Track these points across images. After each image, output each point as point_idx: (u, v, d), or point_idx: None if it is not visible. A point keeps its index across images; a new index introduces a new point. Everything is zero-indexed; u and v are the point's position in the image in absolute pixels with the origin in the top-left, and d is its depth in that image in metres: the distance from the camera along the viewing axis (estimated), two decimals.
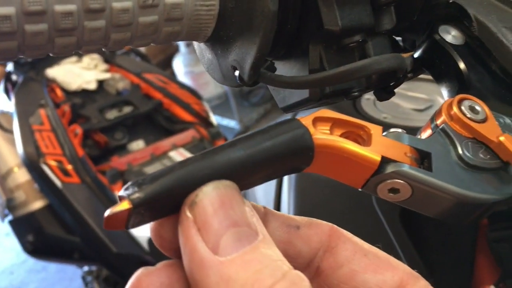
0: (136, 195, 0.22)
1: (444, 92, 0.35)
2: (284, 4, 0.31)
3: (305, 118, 0.27)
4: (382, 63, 0.31)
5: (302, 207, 0.84)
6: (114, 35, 0.28)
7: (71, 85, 2.06)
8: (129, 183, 0.22)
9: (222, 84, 0.35)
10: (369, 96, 0.96)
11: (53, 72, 2.08)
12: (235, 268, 0.20)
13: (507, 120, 0.31)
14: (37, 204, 1.82)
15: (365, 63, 0.30)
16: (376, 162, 0.27)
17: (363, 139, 0.28)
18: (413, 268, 0.25)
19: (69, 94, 2.05)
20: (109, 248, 1.66)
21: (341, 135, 0.28)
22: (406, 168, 0.27)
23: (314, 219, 0.27)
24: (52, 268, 2.85)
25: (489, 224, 0.78)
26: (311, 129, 0.26)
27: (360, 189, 0.28)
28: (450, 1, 0.36)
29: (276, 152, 0.25)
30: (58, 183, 1.69)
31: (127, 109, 2.00)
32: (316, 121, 0.27)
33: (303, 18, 0.32)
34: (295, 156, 0.25)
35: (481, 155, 0.28)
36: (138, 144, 1.97)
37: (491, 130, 0.29)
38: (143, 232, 1.60)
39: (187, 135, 1.92)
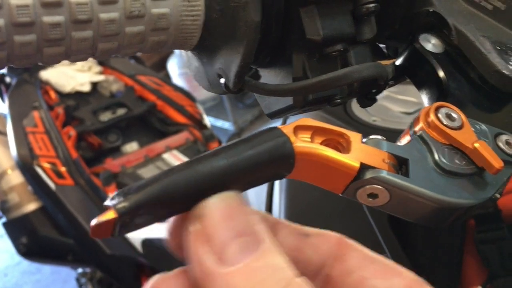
0: (122, 204, 0.22)
1: (424, 99, 0.36)
2: (268, 14, 0.32)
3: (286, 126, 0.28)
4: (362, 72, 0.32)
5: (293, 210, 0.85)
6: (101, 45, 0.29)
7: (65, 87, 2.06)
8: (115, 193, 0.23)
9: (209, 91, 0.36)
10: None
11: (47, 74, 2.08)
12: (239, 278, 0.20)
13: (483, 127, 0.32)
14: (31, 206, 1.82)
15: (345, 71, 0.31)
16: (355, 169, 0.28)
17: (343, 146, 0.29)
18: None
19: (63, 96, 2.05)
20: (103, 250, 1.66)
21: (321, 143, 0.29)
22: (383, 174, 0.28)
23: (323, 230, 0.28)
24: (47, 270, 2.84)
25: (476, 225, 0.80)
26: (292, 138, 0.27)
27: (340, 195, 0.29)
28: (431, 10, 0.37)
29: (258, 160, 0.25)
30: (51, 185, 1.69)
31: (121, 111, 2.01)
32: (297, 129, 0.28)
33: (286, 28, 0.33)
34: (276, 163, 0.26)
35: (457, 161, 0.29)
36: (132, 146, 1.98)
37: (467, 136, 0.30)
38: (136, 234, 1.60)
39: (181, 137, 1.92)
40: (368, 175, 0.28)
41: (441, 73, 0.35)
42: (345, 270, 0.26)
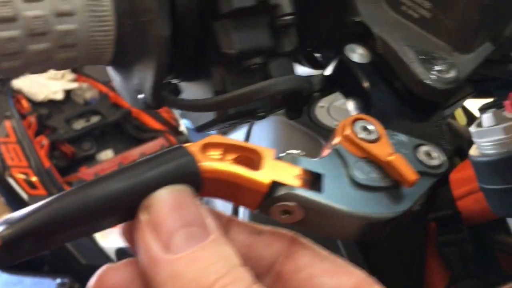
0: (6, 232, 0.22)
1: (351, 110, 0.36)
2: (182, 28, 0.32)
3: (194, 144, 0.27)
4: (280, 85, 0.31)
5: (258, 221, 0.84)
6: (3, 64, 0.28)
7: (38, 96, 2.03)
8: (1, 220, 0.22)
9: (133, 107, 0.35)
10: (323, 103, 0.98)
11: (19, 83, 2.05)
12: (183, 265, 0.21)
13: (403, 138, 0.32)
14: (4, 217, 1.79)
15: (262, 85, 0.31)
16: (265, 186, 0.27)
17: (255, 163, 0.28)
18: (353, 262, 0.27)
19: (36, 105, 2.02)
20: (78, 260, 1.65)
21: (233, 160, 0.28)
22: (295, 190, 0.27)
23: (277, 228, 0.28)
24: (28, 281, 2.80)
25: (437, 228, 0.80)
26: (198, 156, 0.26)
27: (255, 212, 0.29)
28: (357, 20, 0.36)
29: (159, 182, 0.25)
30: (24, 195, 1.67)
31: (94, 119, 1.99)
32: (205, 147, 0.28)
33: (203, 42, 0.32)
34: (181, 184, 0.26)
35: (373, 175, 0.29)
36: (106, 154, 1.96)
37: (383, 149, 0.29)
38: (110, 244, 1.59)
39: (156, 144, 1.91)
40: (279, 192, 0.27)
41: (365, 84, 0.34)
42: (295, 267, 0.27)
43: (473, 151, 0.57)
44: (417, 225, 0.78)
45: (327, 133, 0.90)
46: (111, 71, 0.36)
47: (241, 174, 0.27)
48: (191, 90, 0.36)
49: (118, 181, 0.24)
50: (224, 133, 1.25)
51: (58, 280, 2.07)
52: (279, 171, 0.28)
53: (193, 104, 0.32)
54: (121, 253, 1.51)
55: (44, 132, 1.90)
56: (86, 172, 1.78)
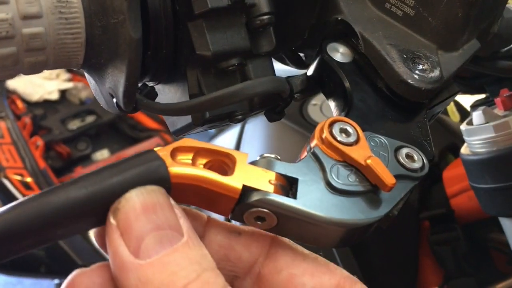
0: None
1: (333, 110, 0.35)
2: (156, 29, 0.31)
3: (164, 148, 0.26)
4: (256, 87, 0.30)
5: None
6: None
7: (33, 96, 2.02)
8: None
9: (108, 110, 0.34)
10: (315, 101, 0.97)
11: (13, 83, 2.04)
12: (152, 270, 0.21)
13: (383, 140, 0.31)
14: None
15: (237, 88, 0.30)
16: (237, 191, 0.26)
17: (228, 167, 0.28)
18: (347, 268, 0.26)
19: (31, 105, 2.01)
20: (74, 261, 1.64)
21: (205, 164, 0.27)
22: (267, 196, 0.26)
23: (257, 229, 0.28)
24: (27, 281, 2.80)
25: (431, 227, 0.79)
26: (168, 160, 0.25)
27: (229, 217, 0.28)
28: (339, 18, 0.35)
29: (124, 188, 0.24)
30: (19, 197, 1.66)
31: (90, 119, 1.98)
32: (176, 151, 0.27)
33: (177, 43, 0.31)
34: None
35: (350, 179, 0.28)
36: (102, 154, 1.95)
37: (361, 152, 0.28)
38: None
39: (152, 143, 1.90)
40: (252, 197, 0.26)
41: (346, 84, 0.33)
42: (275, 268, 0.27)
43: (463, 150, 0.56)
44: (410, 224, 0.77)
45: None
46: (86, 74, 0.35)
47: (212, 179, 0.26)
48: (167, 93, 0.35)
49: (80, 187, 0.23)
50: (215, 134, 1.25)
51: (56, 281, 2.06)
52: (252, 176, 0.27)
53: (167, 108, 0.31)
54: None
55: (39, 132, 1.88)
56: (81, 172, 1.77)
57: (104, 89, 0.32)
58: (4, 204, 1.70)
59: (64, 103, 2.08)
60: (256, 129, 0.98)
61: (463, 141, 0.58)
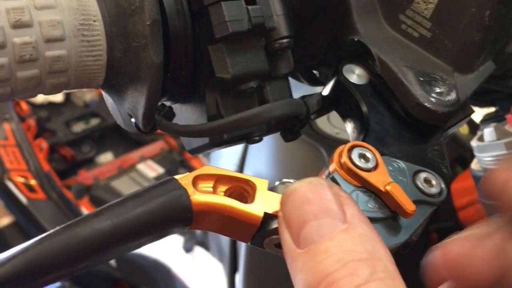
0: None
1: (349, 131, 0.35)
2: (176, 52, 0.31)
3: (185, 177, 0.26)
4: (275, 111, 0.31)
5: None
6: None
7: (37, 98, 2.02)
8: None
9: (125, 129, 0.34)
10: None
11: None
12: (306, 259, 0.22)
13: (401, 165, 0.31)
14: (4, 221, 1.79)
15: (256, 112, 0.30)
16: (258, 219, 0.26)
17: (249, 193, 0.28)
18: None
19: (35, 107, 2.01)
20: None
21: (226, 191, 0.28)
22: None
23: None
24: None
25: (439, 239, 0.79)
26: (190, 189, 0.26)
27: (249, 244, 0.28)
28: (355, 39, 0.36)
29: (149, 218, 0.24)
30: (23, 199, 1.67)
31: (94, 121, 1.98)
32: (197, 179, 0.27)
33: (196, 66, 0.31)
34: (172, 219, 0.25)
35: (369, 205, 0.28)
36: (106, 157, 1.95)
37: (380, 178, 0.29)
38: None
39: (156, 147, 1.90)
40: (272, 225, 0.26)
41: (364, 108, 0.33)
42: None
43: (474, 165, 0.56)
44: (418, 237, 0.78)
45: (327, 141, 0.89)
46: (103, 92, 0.35)
47: (234, 207, 0.26)
48: (184, 112, 0.35)
49: (104, 219, 0.23)
50: None
51: (58, 283, 2.07)
52: (272, 203, 0.27)
53: (186, 129, 0.31)
54: (121, 259, 1.51)
55: (44, 135, 1.89)
56: (85, 175, 1.77)
57: (123, 109, 0.32)
58: (7, 206, 1.70)
59: (68, 105, 2.09)
60: (263, 140, 0.98)
61: (471, 153, 0.58)
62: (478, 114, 0.66)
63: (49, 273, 0.22)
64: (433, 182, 0.30)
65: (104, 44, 0.29)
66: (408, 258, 0.81)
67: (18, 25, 0.27)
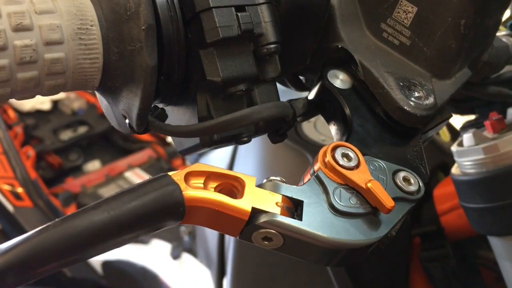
0: None
1: (333, 134, 0.37)
2: (169, 56, 0.32)
3: (178, 173, 0.28)
4: (262, 112, 0.32)
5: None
6: None
7: (24, 106, 2.02)
8: None
9: (119, 130, 0.36)
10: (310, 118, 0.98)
11: None
12: None
13: (382, 164, 0.33)
14: None
15: (244, 113, 0.32)
16: (247, 213, 0.28)
17: (238, 190, 0.29)
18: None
19: (22, 115, 2.01)
20: (64, 273, 1.63)
21: (216, 187, 0.29)
22: (275, 217, 0.28)
23: None
24: None
25: (421, 243, 0.81)
26: (182, 185, 0.27)
27: (238, 237, 0.29)
28: (339, 46, 0.37)
29: (143, 211, 0.25)
30: (9, 207, 1.66)
31: (82, 129, 1.98)
32: (189, 175, 0.28)
33: (188, 69, 0.33)
34: (164, 213, 0.26)
35: (352, 201, 0.30)
36: (94, 165, 1.95)
37: (361, 176, 0.30)
38: (97, 256, 1.57)
39: (144, 155, 1.90)
40: (260, 219, 0.28)
41: (347, 111, 0.35)
42: None
43: (454, 170, 0.59)
44: (401, 240, 0.79)
45: (313, 147, 0.91)
46: (98, 94, 0.37)
47: (224, 202, 0.28)
48: (176, 114, 0.37)
49: (101, 212, 0.25)
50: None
51: None
52: (260, 198, 0.28)
53: (177, 130, 0.32)
54: (107, 266, 1.50)
55: (31, 142, 1.88)
56: (72, 183, 1.77)
57: (117, 110, 0.34)
58: None
59: (56, 113, 2.08)
60: (250, 145, 1.00)
61: (453, 160, 0.60)
62: (460, 121, 0.68)
63: (49, 263, 0.23)
64: (412, 180, 0.32)
65: (100, 48, 0.31)
66: (391, 260, 0.82)
67: (19, 29, 0.28)
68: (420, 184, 0.32)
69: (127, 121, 0.33)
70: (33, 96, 0.31)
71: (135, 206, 0.25)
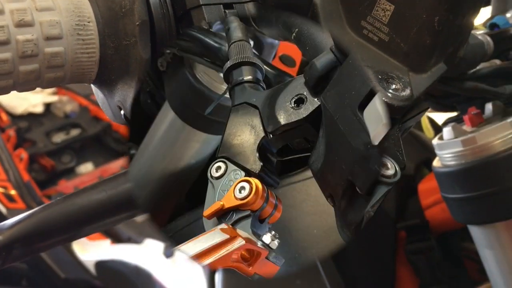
0: None
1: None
2: (162, 50, 0.35)
3: None
4: None
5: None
6: None
7: (17, 109, 2.03)
8: None
9: (114, 122, 0.38)
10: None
11: None
12: None
13: None
14: None
15: None
16: None
17: None
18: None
19: (15, 118, 2.02)
20: (57, 274, 1.64)
21: None
22: None
23: None
24: None
25: (406, 236, 0.83)
26: None
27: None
28: None
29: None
30: (2, 209, 1.66)
31: (74, 132, 1.99)
32: None
33: None
34: None
35: None
36: (86, 167, 1.96)
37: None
38: (90, 257, 1.59)
39: None
40: None
41: None
42: None
43: (435, 162, 0.61)
44: (387, 234, 0.82)
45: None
46: (94, 87, 0.39)
47: None
48: None
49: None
50: None
51: None
52: None
53: None
54: (101, 267, 1.51)
55: (23, 145, 1.89)
56: (65, 185, 1.78)
57: (112, 102, 0.36)
58: None
59: (48, 116, 2.10)
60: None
61: (436, 156, 0.63)
62: (442, 119, 0.71)
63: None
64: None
65: (97, 43, 0.33)
66: (377, 253, 0.84)
67: (21, 24, 0.30)
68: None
69: (122, 112, 0.35)
70: (34, 88, 0.33)
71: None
